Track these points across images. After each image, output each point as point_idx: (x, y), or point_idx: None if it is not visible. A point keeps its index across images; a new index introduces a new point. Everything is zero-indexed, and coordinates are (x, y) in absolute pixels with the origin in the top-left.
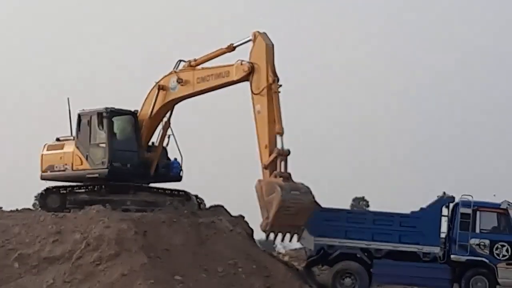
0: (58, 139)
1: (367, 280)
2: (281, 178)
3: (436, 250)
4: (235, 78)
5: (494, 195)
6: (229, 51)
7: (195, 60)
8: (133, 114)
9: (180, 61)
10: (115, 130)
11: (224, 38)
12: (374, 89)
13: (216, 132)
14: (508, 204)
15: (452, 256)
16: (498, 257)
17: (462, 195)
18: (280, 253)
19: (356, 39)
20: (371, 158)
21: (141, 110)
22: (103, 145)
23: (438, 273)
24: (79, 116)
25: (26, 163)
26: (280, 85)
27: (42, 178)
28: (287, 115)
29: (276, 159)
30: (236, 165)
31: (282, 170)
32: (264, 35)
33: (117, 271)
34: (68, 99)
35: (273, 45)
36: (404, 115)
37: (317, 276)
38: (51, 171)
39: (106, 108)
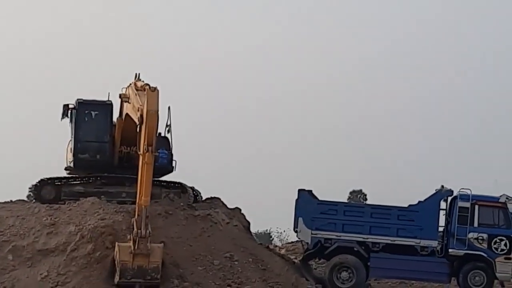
0: None
1: (364, 273)
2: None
3: (434, 244)
4: (136, 121)
5: (496, 181)
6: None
7: (139, 79)
8: (108, 105)
9: (138, 73)
10: (84, 121)
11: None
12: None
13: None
14: (507, 198)
15: (450, 250)
16: (496, 251)
17: (461, 189)
18: (276, 246)
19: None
20: (369, 151)
21: None
22: (73, 136)
23: (435, 267)
24: (71, 110)
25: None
26: (156, 154)
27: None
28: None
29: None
30: (235, 158)
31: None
32: (154, 95)
33: (112, 264)
34: (108, 93)
35: (157, 110)
36: (401, 108)
37: (314, 269)
38: (67, 165)
39: (77, 100)
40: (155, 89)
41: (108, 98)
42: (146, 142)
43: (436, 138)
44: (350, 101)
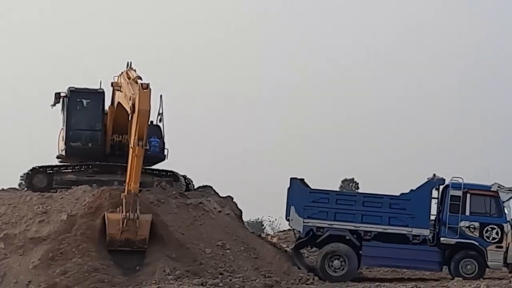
0: None
1: (356, 262)
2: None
3: (426, 232)
4: (128, 110)
5: (488, 169)
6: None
7: (131, 68)
8: (100, 93)
9: (128, 63)
10: (76, 109)
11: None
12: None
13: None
14: (499, 187)
15: (441, 238)
16: (487, 240)
17: (453, 177)
18: (268, 234)
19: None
20: (361, 139)
21: None
22: (64, 124)
23: (427, 255)
24: (62, 97)
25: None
26: (146, 148)
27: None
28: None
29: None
30: (227, 147)
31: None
32: (146, 94)
33: (104, 252)
34: (100, 82)
35: (149, 109)
36: (393, 98)
37: (306, 258)
38: (58, 153)
39: (68, 88)
40: (147, 87)
41: (100, 86)
42: (137, 137)
43: (428, 127)
44: (342, 92)
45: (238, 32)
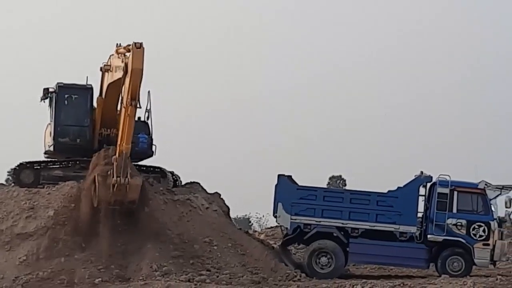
0: None
1: (343, 259)
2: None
3: (413, 229)
4: (120, 76)
5: (475, 166)
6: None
7: (118, 46)
8: (88, 89)
9: (118, 44)
10: (64, 105)
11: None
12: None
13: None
14: (486, 184)
15: (428, 235)
16: (474, 237)
17: (440, 175)
18: (256, 231)
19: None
20: (348, 136)
21: None
22: (52, 120)
23: (414, 252)
24: (50, 92)
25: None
26: (139, 107)
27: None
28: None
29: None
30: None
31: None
32: (139, 53)
33: (90, 247)
34: (87, 77)
35: (142, 68)
36: (383, 93)
37: (293, 254)
38: (46, 149)
39: (56, 84)
40: (140, 46)
41: (87, 82)
42: (129, 96)
43: (416, 125)
44: (331, 90)
45: (239, 32)
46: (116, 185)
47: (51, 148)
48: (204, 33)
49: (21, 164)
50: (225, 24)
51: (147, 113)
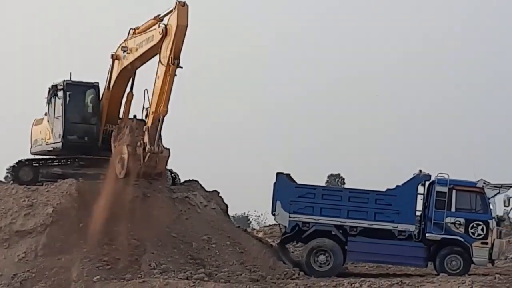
0: (45, 114)
1: (342, 257)
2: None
3: (411, 228)
4: (155, 42)
5: (474, 165)
6: (156, 23)
7: (138, 27)
8: (95, 86)
9: (131, 29)
10: (72, 102)
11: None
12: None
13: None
14: (484, 183)
15: (427, 234)
16: (473, 236)
17: (438, 173)
18: (254, 229)
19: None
20: (348, 135)
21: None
22: (60, 118)
23: (413, 251)
24: (48, 89)
25: None
26: (181, 67)
27: (31, 153)
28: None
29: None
30: (213, 141)
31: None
32: (184, 10)
33: (89, 245)
34: (70, 73)
35: (186, 25)
36: (382, 91)
37: (292, 253)
38: (35, 146)
39: (64, 81)
40: (184, 4)
41: (70, 77)
42: (172, 55)
43: (414, 123)
44: (329, 88)
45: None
46: (149, 155)
47: (59, 146)
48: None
49: (20, 161)
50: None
51: (145, 111)
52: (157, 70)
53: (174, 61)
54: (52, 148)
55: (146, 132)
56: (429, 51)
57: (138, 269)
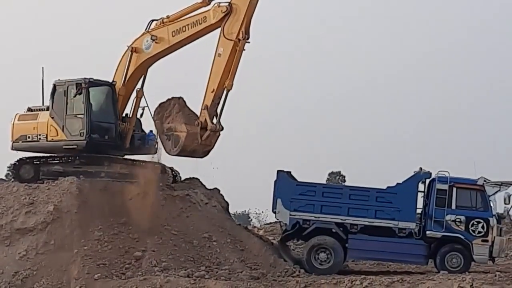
0: (30, 109)
1: (342, 255)
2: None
3: (412, 225)
4: (213, 21)
5: (474, 163)
6: (205, 5)
7: (167, 17)
8: (111, 85)
9: (152, 21)
10: (93, 101)
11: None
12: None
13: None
14: (485, 181)
15: (427, 232)
16: (473, 234)
17: (439, 171)
18: (255, 227)
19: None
20: (348, 132)
21: (113, 78)
22: (81, 116)
23: (413, 249)
24: (54, 86)
25: None
26: (249, 42)
27: (13, 148)
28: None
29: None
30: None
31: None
32: None
33: (90, 243)
34: (42, 68)
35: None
36: (383, 90)
37: (292, 250)
38: (23, 141)
39: (85, 79)
40: None
41: (42, 74)
42: (243, 29)
43: (415, 121)
44: (329, 85)
45: None
46: (209, 133)
47: (83, 144)
48: None
49: (20, 159)
50: None
51: (142, 111)
52: (217, 48)
53: (245, 36)
54: (74, 146)
55: (205, 111)
56: (429, 51)
57: (139, 267)
